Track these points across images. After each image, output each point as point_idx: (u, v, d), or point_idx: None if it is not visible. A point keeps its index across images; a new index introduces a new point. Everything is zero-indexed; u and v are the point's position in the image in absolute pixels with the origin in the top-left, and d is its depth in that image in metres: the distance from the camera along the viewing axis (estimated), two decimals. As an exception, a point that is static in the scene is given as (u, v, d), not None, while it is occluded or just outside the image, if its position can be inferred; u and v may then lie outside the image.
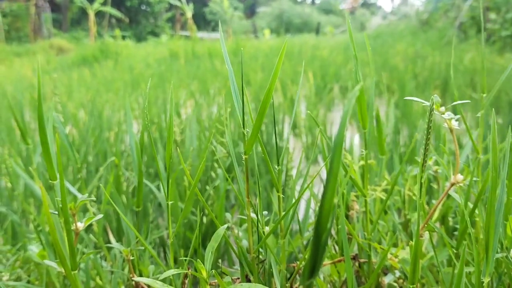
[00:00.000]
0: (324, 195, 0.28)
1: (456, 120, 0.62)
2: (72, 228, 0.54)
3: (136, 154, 0.80)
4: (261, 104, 0.53)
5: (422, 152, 0.55)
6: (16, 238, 1.36)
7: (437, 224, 0.94)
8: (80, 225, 0.57)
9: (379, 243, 0.90)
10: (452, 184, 0.62)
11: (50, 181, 0.55)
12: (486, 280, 0.53)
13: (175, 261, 1.07)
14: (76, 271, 0.52)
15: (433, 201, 0.97)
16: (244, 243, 0.76)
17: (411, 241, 0.87)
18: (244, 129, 0.57)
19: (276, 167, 0.64)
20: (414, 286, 0.54)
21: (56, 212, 0.56)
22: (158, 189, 1.43)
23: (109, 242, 1.35)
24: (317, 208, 1.05)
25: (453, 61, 4.52)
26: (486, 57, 5.11)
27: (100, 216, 0.58)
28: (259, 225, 0.65)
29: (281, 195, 0.65)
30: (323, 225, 0.29)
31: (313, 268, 0.31)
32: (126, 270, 1.00)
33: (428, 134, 0.54)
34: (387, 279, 0.78)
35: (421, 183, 0.52)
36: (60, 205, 0.52)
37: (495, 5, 6.67)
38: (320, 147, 2.35)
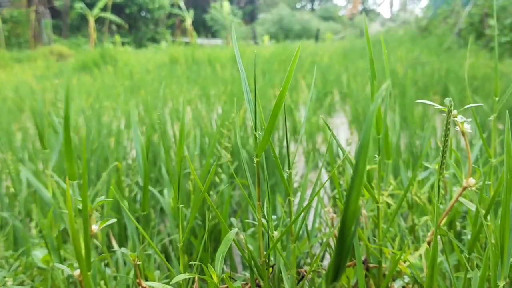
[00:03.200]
0: (348, 196, 0.28)
1: (468, 124, 0.62)
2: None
3: (142, 157, 0.80)
4: (274, 106, 0.53)
5: (441, 155, 0.54)
6: (18, 244, 1.35)
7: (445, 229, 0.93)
8: (95, 228, 0.56)
9: (386, 248, 0.89)
10: (464, 188, 0.61)
11: (70, 181, 0.54)
12: (501, 284, 0.52)
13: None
14: (90, 273, 0.51)
15: (440, 206, 0.96)
16: (250, 247, 0.75)
17: (420, 246, 0.87)
18: (256, 131, 0.56)
19: (287, 170, 0.64)
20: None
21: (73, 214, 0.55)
22: (159, 194, 1.42)
23: (111, 247, 1.34)
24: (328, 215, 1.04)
25: (454, 68, 4.53)
26: (485, 63, 5.13)
27: (114, 220, 0.57)
28: (269, 229, 0.64)
29: (292, 199, 0.64)
30: (348, 228, 0.28)
31: (337, 271, 0.30)
32: (130, 275, 0.99)
33: (446, 136, 0.53)
34: (396, 285, 0.77)
35: (439, 186, 0.52)
36: (79, 206, 0.51)
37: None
38: (320, 152, 2.34)
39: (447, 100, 0.59)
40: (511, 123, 0.55)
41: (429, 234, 0.70)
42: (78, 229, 0.55)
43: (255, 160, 0.57)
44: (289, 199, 0.63)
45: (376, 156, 0.69)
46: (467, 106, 0.60)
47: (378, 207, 0.70)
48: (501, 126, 2.72)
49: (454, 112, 0.58)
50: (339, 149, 1.69)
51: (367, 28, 0.66)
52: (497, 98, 0.70)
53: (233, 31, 0.60)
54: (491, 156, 0.69)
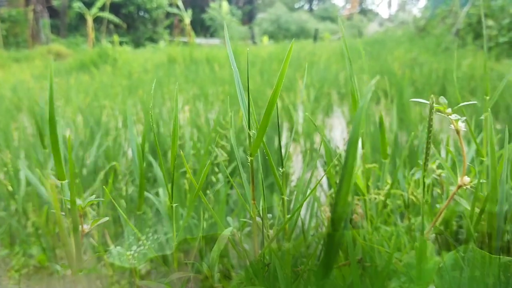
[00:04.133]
0: (338, 191, 0.27)
1: (463, 122, 0.62)
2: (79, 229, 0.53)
3: (137, 156, 0.79)
4: (267, 104, 0.53)
5: (424, 151, 0.54)
6: (14, 243, 1.35)
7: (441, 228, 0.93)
8: (86, 227, 0.56)
9: (382, 247, 0.89)
10: (459, 186, 0.61)
11: (59, 181, 0.54)
12: (491, 281, 0.52)
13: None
14: (82, 273, 0.51)
15: (437, 206, 0.96)
16: (245, 247, 0.75)
17: (415, 244, 0.87)
18: (249, 130, 0.56)
19: (281, 169, 0.63)
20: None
21: (64, 213, 0.55)
22: (156, 195, 1.42)
23: (107, 246, 1.34)
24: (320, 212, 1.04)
25: (452, 68, 4.54)
26: (483, 64, 5.13)
27: (106, 218, 0.57)
28: (264, 228, 0.64)
29: (286, 198, 0.64)
30: (337, 223, 0.28)
31: (327, 268, 0.30)
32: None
33: (429, 133, 0.53)
34: (392, 284, 0.77)
35: (424, 182, 0.52)
36: (68, 206, 0.51)
37: (492, 12, 6.73)
38: (318, 152, 2.34)
39: (442, 98, 0.59)
40: (509, 124, 0.55)
41: (425, 232, 0.70)
42: (69, 228, 0.55)
43: (249, 159, 0.57)
44: (283, 198, 0.63)
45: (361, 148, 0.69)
46: (461, 104, 0.60)
47: (365, 200, 0.71)
48: (498, 126, 2.72)
49: (449, 110, 0.58)
50: (337, 149, 1.68)
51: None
52: (487, 97, 0.70)
53: (225, 29, 0.60)
54: (483, 155, 0.69)
